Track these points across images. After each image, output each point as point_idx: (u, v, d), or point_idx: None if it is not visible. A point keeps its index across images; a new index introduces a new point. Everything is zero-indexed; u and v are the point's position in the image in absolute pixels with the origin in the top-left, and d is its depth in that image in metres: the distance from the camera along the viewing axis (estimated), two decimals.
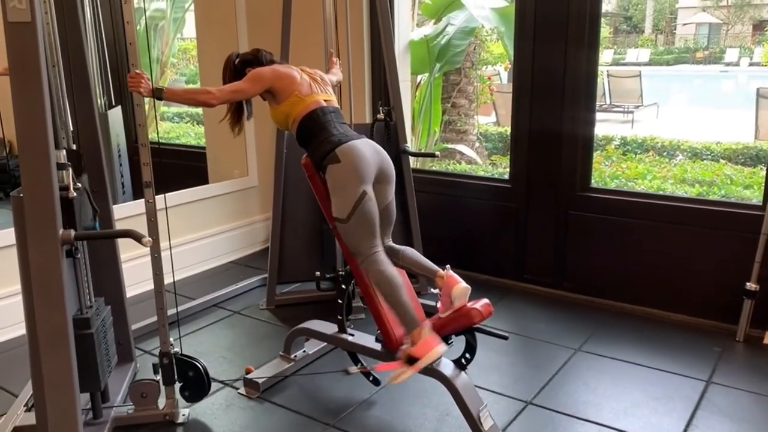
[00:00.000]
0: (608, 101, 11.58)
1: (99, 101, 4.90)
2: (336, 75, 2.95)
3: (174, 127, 7.58)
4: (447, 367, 2.46)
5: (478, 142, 6.53)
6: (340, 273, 2.70)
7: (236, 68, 2.59)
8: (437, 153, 3.69)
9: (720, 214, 3.25)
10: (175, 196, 4.20)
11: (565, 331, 3.30)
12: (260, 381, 2.77)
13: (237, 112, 2.63)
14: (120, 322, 2.83)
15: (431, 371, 2.44)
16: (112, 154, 4.65)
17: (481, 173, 5.03)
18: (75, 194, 2.11)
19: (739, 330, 3.15)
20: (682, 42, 27.64)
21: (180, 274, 4.15)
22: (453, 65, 5.51)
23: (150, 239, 2.02)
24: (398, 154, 3.57)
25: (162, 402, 2.58)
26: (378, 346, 2.60)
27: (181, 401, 2.62)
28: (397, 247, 2.55)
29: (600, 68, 11.63)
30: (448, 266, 2.43)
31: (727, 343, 3.13)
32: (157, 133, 6.24)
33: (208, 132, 5.14)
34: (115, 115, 4.77)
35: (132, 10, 2.28)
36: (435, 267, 2.46)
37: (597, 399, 2.69)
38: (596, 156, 6.00)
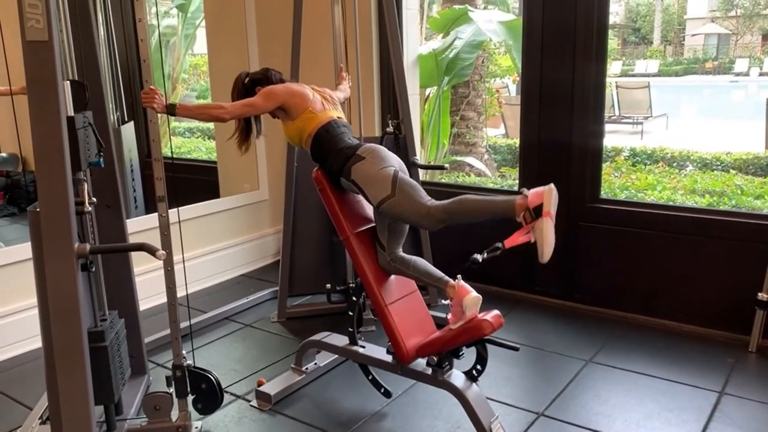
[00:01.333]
0: (617, 112, 11.59)
1: (112, 117, 4.97)
2: (344, 92, 2.99)
3: (185, 142, 7.66)
4: (458, 379, 2.47)
5: (487, 155, 6.55)
6: (351, 285, 2.72)
7: (246, 87, 2.63)
8: (446, 165, 3.72)
9: (731, 224, 3.25)
10: (187, 210, 4.24)
11: (577, 343, 3.29)
12: (272, 393, 2.78)
13: (245, 130, 2.67)
14: (133, 335, 2.85)
15: (442, 383, 2.45)
16: (125, 169, 4.70)
17: (491, 185, 5.05)
18: (90, 208, 2.13)
19: (752, 341, 3.14)
20: (691, 53, 27.62)
21: (192, 288, 4.18)
22: (461, 78, 5.55)
23: (164, 252, 2.05)
24: (408, 166, 3.58)
25: (175, 414, 2.59)
26: (389, 358, 2.61)
27: (194, 414, 2.64)
28: (408, 257, 2.57)
29: (608, 80, 11.62)
30: (459, 276, 2.44)
31: (739, 354, 3.11)
32: (171, 148, 6.30)
33: (220, 146, 5.19)
34: (128, 130, 4.83)
35: (146, 28, 2.32)
36: (446, 277, 2.48)
37: (609, 410, 2.68)
38: (606, 167, 6.01)
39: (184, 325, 3.45)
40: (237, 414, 2.74)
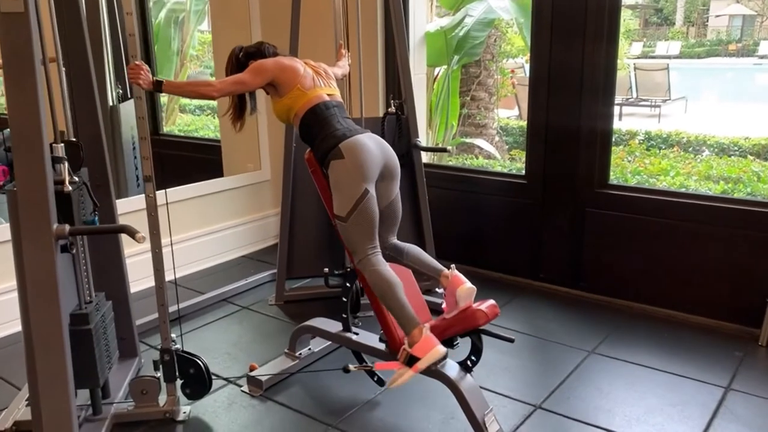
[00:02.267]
0: (635, 95, 11.34)
1: (114, 94, 4.91)
2: (342, 68, 2.89)
3: (194, 119, 7.59)
4: (452, 369, 2.39)
5: (498, 137, 6.41)
6: (347, 269, 2.64)
7: (240, 62, 2.53)
8: (449, 148, 3.62)
9: (744, 213, 3.12)
10: (186, 190, 4.19)
11: (580, 333, 3.20)
12: (263, 379, 2.72)
13: (239, 106, 2.58)
14: (124, 317, 2.81)
15: (435, 373, 2.37)
16: (124, 146, 4.65)
17: (498, 168, 4.93)
18: (71, 188, 2.07)
19: (762, 334, 3.02)
20: (715, 34, 26.98)
21: (192, 268, 4.15)
22: (472, 57, 5.40)
23: (144, 236, 1.97)
24: (409, 148, 3.49)
25: (163, 399, 2.55)
26: (382, 346, 2.54)
27: (183, 398, 2.59)
28: (402, 244, 2.48)
29: (626, 61, 11.32)
30: (453, 266, 2.35)
31: (749, 348, 3.00)
32: (155, 126, 6.24)
33: (223, 124, 5.10)
34: (129, 107, 4.75)
35: (132, 2, 2.23)
36: (440, 266, 2.39)
37: (609, 404, 2.59)
38: (619, 151, 5.86)
39: (174, 308, 3.43)
40: (227, 399, 2.68)
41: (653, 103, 11.19)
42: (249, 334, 3.27)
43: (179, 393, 2.57)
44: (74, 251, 2.13)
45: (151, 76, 2.24)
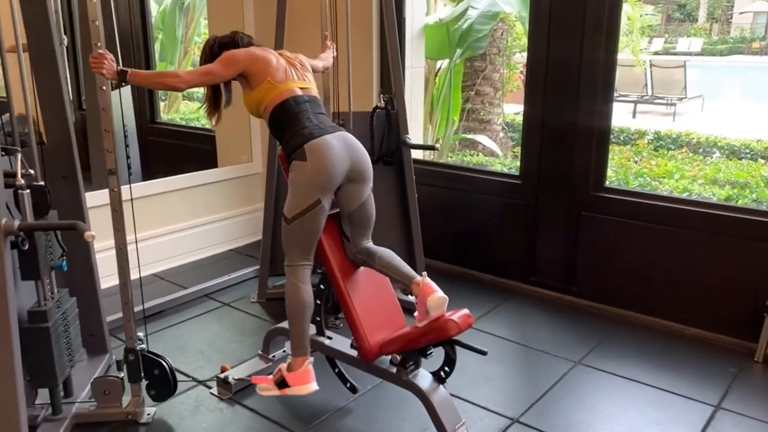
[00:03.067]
0: (650, 92, 11.10)
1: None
2: (324, 60, 2.77)
3: (199, 107, 7.49)
4: (424, 380, 2.29)
5: (503, 133, 6.26)
6: (319, 272, 2.54)
7: (213, 52, 2.42)
8: (437, 145, 3.49)
9: (745, 222, 2.96)
10: (175, 180, 4.11)
11: (569, 341, 3.07)
12: (233, 382, 2.63)
13: (213, 98, 2.48)
14: (93, 314, 2.74)
15: (407, 384, 2.27)
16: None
17: (498, 167, 4.80)
18: (23, 181, 1.98)
19: (759, 350, 2.88)
20: (738, 31, 26.44)
21: (178, 261, 4.07)
22: (475, 51, 5.24)
23: (93, 234, 1.88)
24: (399, 145, 3.37)
25: (127, 400, 2.47)
26: (354, 353, 2.43)
27: (149, 400, 2.51)
28: (375, 248, 2.37)
29: (643, 57, 11.02)
30: (424, 273, 2.23)
31: (744, 364, 2.86)
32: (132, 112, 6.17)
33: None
34: (122, 94, 4.66)
35: None
36: (411, 273, 2.27)
37: (591, 419, 2.47)
38: (626, 151, 5.70)
39: (154, 302, 3.36)
40: (194, 402, 2.60)
41: (669, 101, 10.94)
42: (227, 333, 3.18)
43: (144, 394, 2.49)
44: (25, 248, 2.03)
45: (115, 65, 2.15)
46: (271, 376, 2.38)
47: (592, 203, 3.34)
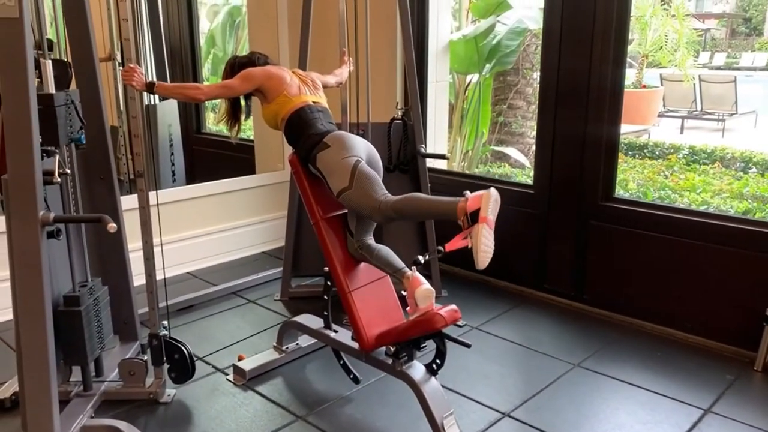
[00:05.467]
0: (699, 107, 10.94)
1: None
2: (337, 76, 3.00)
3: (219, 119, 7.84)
4: (416, 371, 2.44)
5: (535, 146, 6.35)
6: (326, 270, 2.73)
7: (233, 71, 2.68)
8: (447, 154, 3.65)
9: (751, 234, 3.01)
10: (211, 186, 4.40)
11: (571, 346, 3.18)
12: (247, 369, 2.86)
13: (233, 111, 2.73)
14: (125, 303, 2.99)
15: (400, 374, 2.44)
16: (161, 143, 4.90)
17: (523, 178, 4.91)
18: (60, 180, 2.25)
19: (758, 359, 2.93)
20: None
21: (211, 261, 4.35)
22: (505, 65, 5.39)
23: (114, 225, 2.13)
24: (415, 155, 3.56)
25: (150, 381, 2.72)
26: (355, 345, 2.62)
27: (171, 382, 2.75)
28: (374, 245, 2.56)
29: (692, 72, 10.90)
30: (414, 267, 2.40)
31: (743, 372, 2.91)
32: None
33: (256, 124, 5.30)
34: (168, 106, 5.02)
35: (127, 8, 2.41)
36: (404, 268, 2.45)
37: (579, 418, 2.58)
38: (657, 165, 5.71)
39: (186, 297, 3.62)
40: (212, 386, 2.83)
41: (719, 117, 10.76)
42: (248, 327, 3.41)
43: (165, 376, 2.74)
44: (60, 238, 2.30)
45: (144, 78, 2.42)
46: (460, 235, 2.24)
47: (600, 213, 3.44)
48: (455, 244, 2.21)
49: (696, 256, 3.16)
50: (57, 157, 2.28)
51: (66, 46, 2.57)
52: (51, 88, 2.31)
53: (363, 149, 2.49)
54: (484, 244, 2.14)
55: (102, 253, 2.87)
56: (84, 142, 2.49)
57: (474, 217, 2.16)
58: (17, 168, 2.14)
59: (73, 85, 2.53)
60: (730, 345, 3.08)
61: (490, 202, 2.15)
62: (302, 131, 2.53)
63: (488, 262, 2.18)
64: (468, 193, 2.22)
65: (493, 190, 2.20)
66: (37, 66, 2.23)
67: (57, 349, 2.29)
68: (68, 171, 2.35)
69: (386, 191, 2.40)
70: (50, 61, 2.31)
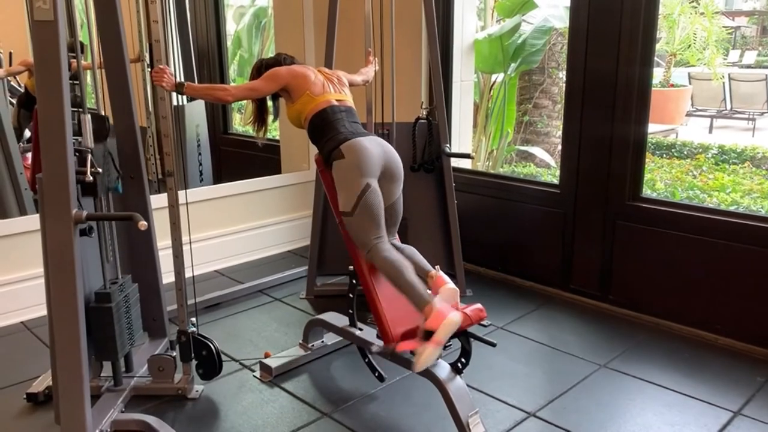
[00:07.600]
0: (729, 107, 10.77)
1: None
2: (364, 75, 3.01)
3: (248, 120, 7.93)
4: (442, 370, 2.45)
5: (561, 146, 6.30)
6: (350, 268, 2.75)
7: (260, 72, 2.71)
8: (472, 154, 3.65)
9: None
10: (238, 186, 4.45)
11: (598, 346, 3.16)
12: (273, 366, 2.89)
13: (259, 113, 2.77)
14: (155, 301, 3.04)
15: (426, 373, 2.44)
16: (188, 143, 4.96)
17: (549, 178, 4.89)
18: (91, 179, 2.30)
19: None
20: None
21: (239, 259, 4.40)
22: (530, 65, 5.37)
23: (145, 223, 2.17)
24: (440, 154, 3.57)
25: (178, 377, 2.76)
26: (380, 343, 2.63)
27: (199, 378, 2.79)
28: (399, 245, 2.57)
29: (721, 71, 10.73)
30: (437, 266, 2.41)
31: None
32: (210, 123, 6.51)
33: (282, 125, 5.34)
34: (196, 107, 5.08)
35: (157, 10, 2.45)
36: (428, 267, 2.46)
37: (605, 419, 2.57)
38: (685, 164, 5.64)
39: (209, 296, 3.67)
40: (239, 382, 2.86)
41: (749, 116, 10.58)
42: (274, 324, 3.45)
43: (193, 373, 2.78)
44: (92, 235, 2.36)
45: (173, 79, 2.46)
46: (414, 341, 2.35)
47: (628, 213, 3.41)
48: (407, 346, 2.38)
49: (725, 256, 3.12)
50: (89, 155, 2.33)
51: (98, 47, 2.62)
52: (90, 142, 2.39)
53: (378, 162, 2.47)
54: (426, 361, 2.28)
55: (132, 251, 2.93)
56: (121, 191, 2.63)
57: (428, 335, 2.26)
58: (52, 168, 2.19)
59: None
60: (760, 347, 3.04)
61: (448, 330, 2.24)
62: (323, 134, 2.55)
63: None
64: (437, 304, 2.28)
65: (457, 317, 2.25)
66: (77, 120, 2.35)
67: (88, 345, 2.34)
68: (100, 170, 2.40)
69: (384, 233, 2.45)
70: (89, 115, 2.38)
